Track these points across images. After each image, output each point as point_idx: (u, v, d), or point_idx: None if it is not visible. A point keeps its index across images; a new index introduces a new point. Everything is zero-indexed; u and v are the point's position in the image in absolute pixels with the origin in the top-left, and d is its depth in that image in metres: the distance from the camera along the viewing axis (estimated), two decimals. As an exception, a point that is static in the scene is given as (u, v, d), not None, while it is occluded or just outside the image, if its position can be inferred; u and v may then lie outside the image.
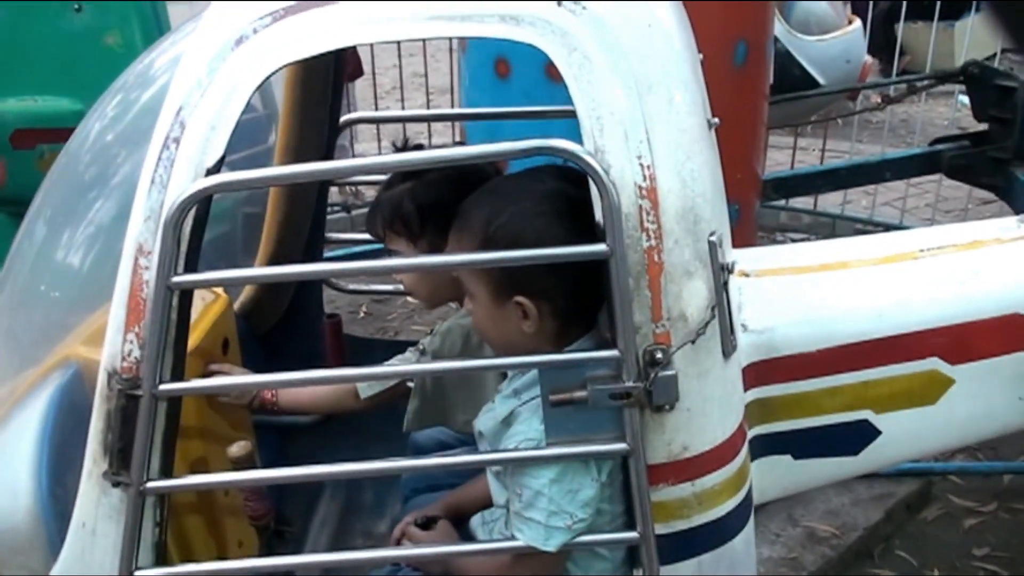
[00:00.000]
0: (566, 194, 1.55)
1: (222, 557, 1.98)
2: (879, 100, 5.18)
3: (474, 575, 1.73)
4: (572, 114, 1.49)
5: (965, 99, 5.20)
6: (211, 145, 1.47)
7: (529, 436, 1.59)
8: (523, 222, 1.57)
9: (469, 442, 2.07)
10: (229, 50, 1.47)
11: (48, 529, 1.65)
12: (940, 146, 4.39)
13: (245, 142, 2.62)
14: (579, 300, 1.60)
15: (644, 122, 1.46)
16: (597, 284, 1.50)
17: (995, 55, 6.43)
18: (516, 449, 1.61)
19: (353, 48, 5.61)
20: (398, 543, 1.94)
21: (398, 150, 2.05)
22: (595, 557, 1.67)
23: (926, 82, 4.67)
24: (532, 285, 1.58)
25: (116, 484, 1.52)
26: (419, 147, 2.11)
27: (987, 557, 3.21)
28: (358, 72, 5.79)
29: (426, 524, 1.88)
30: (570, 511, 1.55)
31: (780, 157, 6.03)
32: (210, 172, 1.46)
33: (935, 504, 3.49)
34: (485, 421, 1.74)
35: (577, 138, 1.46)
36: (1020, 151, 3.92)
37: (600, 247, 1.42)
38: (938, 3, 6.02)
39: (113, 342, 1.50)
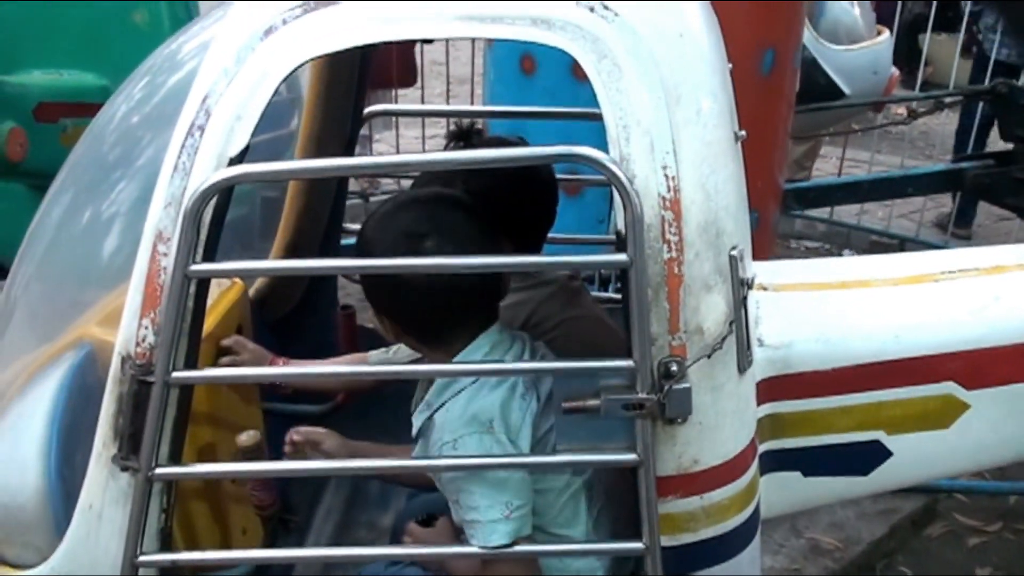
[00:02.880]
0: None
1: (226, 544, 1.98)
2: (904, 113, 5.14)
3: (459, 572, 1.75)
4: (597, 116, 1.48)
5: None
6: (235, 135, 1.46)
7: (444, 440, 1.61)
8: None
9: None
10: (258, 40, 1.47)
11: (55, 509, 1.65)
12: (963, 164, 4.37)
13: (268, 125, 2.60)
14: (422, 319, 1.66)
15: (671, 132, 1.45)
16: (450, 305, 1.61)
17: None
18: (538, 454, 1.61)
19: (411, 56, 5.60)
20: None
21: (456, 137, 2.02)
22: (570, 552, 1.69)
23: (953, 99, 4.64)
24: (376, 302, 1.69)
25: (125, 469, 1.52)
26: (479, 132, 2.07)
27: (990, 577, 3.21)
28: (411, 78, 5.73)
29: (427, 520, 1.88)
30: (503, 500, 1.56)
31: (801, 165, 6.00)
32: (233, 162, 1.45)
33: (940, 521, 3.49)
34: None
35: (601, 139, 1.45)
36: (1044, 173, 3.90)
37: (621, 257, 1.41)
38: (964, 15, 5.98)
39: (128, 327, 1.50)
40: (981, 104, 5.11)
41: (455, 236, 1.61)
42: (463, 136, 2.02)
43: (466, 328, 1.67)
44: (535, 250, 2.02)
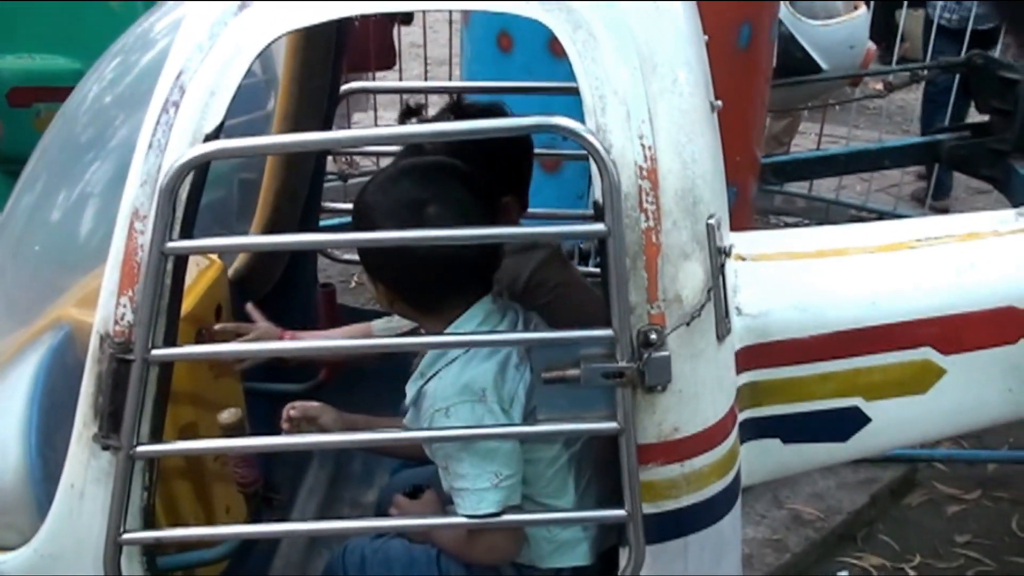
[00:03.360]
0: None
1: (210, 523, 1.98)
2: (881, 87, 5.16)
3: (444, 540, 1.77)
4: (574, 91, 1.48)
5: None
6: (210, 111, 1.46)
7: (436, 407, 1.62)
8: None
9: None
10: (231, 15, 1.46)
11: (36, 490, 1.65)
12: (940, 136, 4.39)
13: (244, 107, 2.60)
14: (419, 287, 1.66)
15: (647, 102, 1.45)
16: (446, 274, 1.61)
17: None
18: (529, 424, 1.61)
19: (389, 38, 5.57)
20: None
21: (406, 114, 2.01)
22: (553, 521, 1.71)
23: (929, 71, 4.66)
24: (372, 268, 1.68)
25: (106, 447, 1.52)
26: (420, 110, 2.05)
27: (969, 544, 3.25)
28: (390, 60, 5.70)
29: (414, 492, 1.89)
30: (492, 469, 1.57)
31: (778, 140, 6.02)
32: (209, 138, 1.45)
33: (919, 490, 3.53)
34: (405, 409, 1.77)
35: (579, 115, 1.45)
36: (1020, 144, 3.91)
37: (599, 226, 1.41)
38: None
39: (106, 305, 1.50)
40: (943, 76, 5.16)
41: (456, 204, 1.61)
42: (412, 112, 2.01)
43: (461, 297, 1.68)
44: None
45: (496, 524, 1.59)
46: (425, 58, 5.99)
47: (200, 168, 1.46)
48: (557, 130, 1.40)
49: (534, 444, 1.65)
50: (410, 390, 1.73)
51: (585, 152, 1.40)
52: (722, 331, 1.57)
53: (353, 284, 4.65)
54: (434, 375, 1.66)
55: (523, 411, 1.62)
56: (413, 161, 1.75)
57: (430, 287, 1.66)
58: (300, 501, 2.44)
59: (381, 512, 2.13)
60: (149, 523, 1.57)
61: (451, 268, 1.62)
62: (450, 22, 5.74)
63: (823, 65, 5.50)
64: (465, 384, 1.61)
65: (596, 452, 1.72)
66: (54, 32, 3.60)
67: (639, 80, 1.45)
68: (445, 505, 1.83)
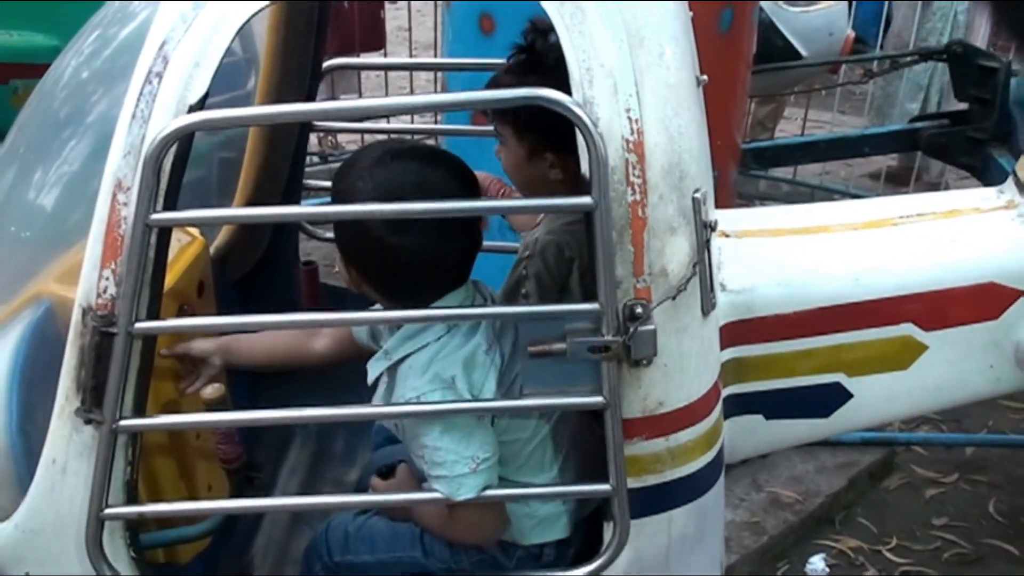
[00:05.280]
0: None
1: (192, 499, 1.97)
2: (862, 73, 5.18)
3: (426, 521, 1.77)
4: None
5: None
6: (194, 81, 1.44)
7: (407, 396, 1.60)
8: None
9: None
10: (216, -15, 1.45)
11: (17, 465, 1.63)
12: (919, 124, 4.42)
13: (224, 86, 2.58)
14: (396, 280, 1.63)
15: (634, 75, 1.45)
16: (427, 268, 1.59)
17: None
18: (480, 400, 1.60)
19: (379, 17, 5.52)
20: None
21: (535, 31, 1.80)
22: (538, 496, 1.70)
23: (910, 58, 4.68)
24: (346, 253, 1.66)
25: (88, 422, 1.50)
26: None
27: (946, 527, 3.28)
28: (379, 41, 5.65)
29: (388, 472, 1.89)
30: (469, 454, 1.56)
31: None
32: (193, 109, 1.43)
33: (897, 473, 3.55)
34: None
35: None
36: (998, 132, 3.94)
37: (585, 200, 1.41)
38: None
39: (89, 278, 1.48)
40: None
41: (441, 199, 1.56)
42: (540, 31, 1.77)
43: (437, 289, 1.65)
44: None
45: (480, 499, 1.58)
46: (410, 41, 5.97)
47: (184, 139, 1.44)
48: (545, 103, 1.40)
49: (511, 425, 1.64)
50: (372, 369, 1.71)
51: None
52: (707, 306, 1.58)
53: (337, 268, 4.63)
54: (403, 359, 1.64)
55: (495, 396, 1.61)
56: (405, 147, 1.69)
57: (405, 279, 1.62)
58: (281, 481, 2.43)
59: (363, 491, 2.12)
60: (132, 499, 1.56)
61: (430, 263, 1.60)
62: (435, 5, 5.72)
63: (803, 52, 5.52)
64: (435, 373, 1.59)
65: (571, 427, 1.73)
66: (33, 9, 3.57)
67: (626, 53, 1.45)
68: (420, 483, 1.83)
